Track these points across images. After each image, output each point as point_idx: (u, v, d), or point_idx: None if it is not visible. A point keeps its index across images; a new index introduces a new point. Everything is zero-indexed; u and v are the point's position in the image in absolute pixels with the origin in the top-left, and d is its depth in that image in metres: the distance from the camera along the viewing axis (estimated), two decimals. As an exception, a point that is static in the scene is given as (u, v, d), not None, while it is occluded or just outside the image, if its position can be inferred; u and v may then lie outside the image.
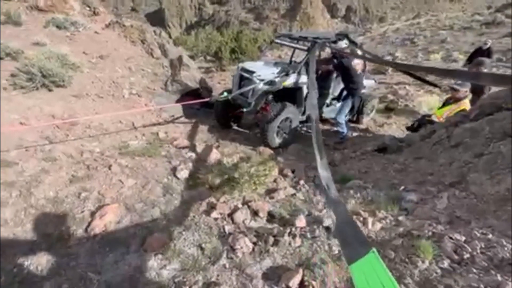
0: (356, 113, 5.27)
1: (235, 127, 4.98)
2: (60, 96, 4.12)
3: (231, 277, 1.52)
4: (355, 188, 2.52)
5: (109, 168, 2.63)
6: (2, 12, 5.94)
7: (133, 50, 6.15)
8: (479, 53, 7.21)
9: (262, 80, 3.93)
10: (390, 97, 7.08)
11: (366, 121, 5.54)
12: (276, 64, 4.70)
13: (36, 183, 2.25)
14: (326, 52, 5.64)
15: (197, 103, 4.68)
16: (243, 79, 4.29)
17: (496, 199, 2.00)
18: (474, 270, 1.45)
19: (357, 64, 4.20)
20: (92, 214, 1.99)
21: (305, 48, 4.33)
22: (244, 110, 4.20)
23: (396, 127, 5.48)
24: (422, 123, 3.86)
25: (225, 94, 4.13)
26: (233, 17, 34.88)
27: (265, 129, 3.90)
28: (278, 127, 3.98)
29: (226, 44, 11.91)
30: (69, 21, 6.34)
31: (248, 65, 4.52)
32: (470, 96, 3.38)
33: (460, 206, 2.03)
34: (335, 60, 4.34)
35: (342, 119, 4.43)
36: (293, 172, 2.95)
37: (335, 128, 4.75)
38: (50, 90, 4.15)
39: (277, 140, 4.07)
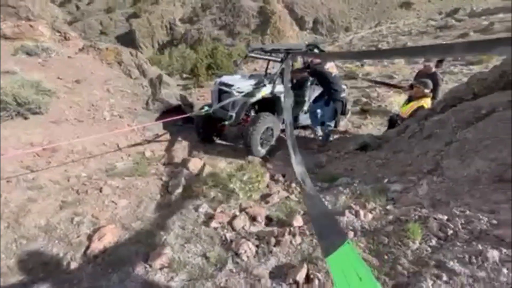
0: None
1: (218, 141, 5.01)
2: (37, 123, 3.99)
3: (240, 280, 1.56)
4: (343, 184, 2.66)
5: (100, 191, 2.58)
6: (-35, 43, 5.70)
7: (110, 72, 6.10)
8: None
9: (241, 92, 4.06)
10: (364, 99, 7.53)
11: (343, 123, 5.83)
12: (252, 76, 4.86)
13: (24, 213, 2.16)
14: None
15: (178, 119, 4.69)
16: (222, 92, 4.38)
17: (468, 180, 2.22)
18: (459, 244, 1.60)
19: (330, 67, 4.43)
20: (89, 237, 1.95)
21: (279, 59, 4.53)
22: (226, 123, 4.29)
23: (372, 127, 5.82)
24: (393, 120, 4.19)
25: (206, 108, 4.19)
26: (205, 34, 35.39)
27: (248, 140, 3.98)
28: (261, 138, 4.08)
29: (202, 61, 12.08)
30: (40, 47, 6.19)
31: (226, 79, 4.63)
32: (430, 95, 3.71)
33: (439, 190, 2.22)
34: (308, 69, 4.59)
35: (329, 123, 4.61)
36: (283, 176, 3.05)
37: (319, 133, 4.91)
38: (26, 118, 4.01)
39: (262, 150, 4.17)
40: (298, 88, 4.86)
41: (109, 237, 1.92)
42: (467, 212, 1.83)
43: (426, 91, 3.65)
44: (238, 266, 1.67)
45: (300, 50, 4.66)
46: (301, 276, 1.53)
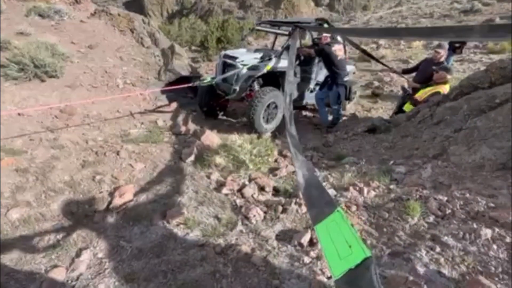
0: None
1: (220, 116, 4.87)
2: (54, 87, 4.08)
3: (249, 239, 1.71)
4: (349, 163, 2.76)
5: (117, 154, 2.72)
6: (-21, 0, 5.66)
7: (123, 39, 6.05)
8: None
9: (245, 65, 3.90)
10: (376, 83, 7.40)
11: (349, 107, 5.74)
12: (258, 50, 4.69)
13: (50, 169, 2.32)
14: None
15: (184, 88, 4.63)
16: (226, 65, 4.23)
17: (472, 166, 2.29)
18: (455, 222, 1.71)
19: (337, 49, 4.28)
20: (110, 194, 2.12)
21: (286, 33, 4.33)
22: (229, 97, 4.16)
23: (382, 111, 5.79)
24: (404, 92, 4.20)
25: (209, 79, 4.03)
26: (216, 5, 33.98)
27: (252, 115, 3.85)
28: (265, 113, 3.96)
29: (212, 34, 11.77)
30: (52, 9, 6.11)
31: (231, 52, 4.48)
32: (449, 81, 3.67)
33: (442, 174, 2.30)
34: (316, 47, 4.43)
35: (335, 107, 4.53)
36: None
37: (323, 118, 4.74)
38: (43, 81, 4.09)
39: (266, 126, 4.06)
40: (304, 65, 4.65)
41: (128, 195, 2.07)
42: (467, 195, 1.93)
43: (449, 77, 3.61)
44: (247, 228, 1.82)
45: (308, 24, 4.41)
46: (305, 240, 1.67)
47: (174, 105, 4.84)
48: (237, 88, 3.99)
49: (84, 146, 2.85)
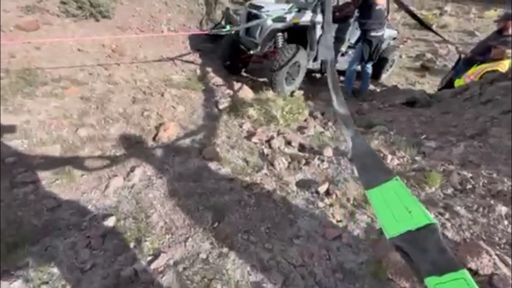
0: (375, 65, 4.46)
1: (243, 73, 4.59)
2: (106, 27, 4.36)
3: (272, 182, 1.93)
4: (379, 132, 2.77)
5: (162, 95, 3.00)
6: None
7: (169, -16, 6.02)
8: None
9: (270, 16, 3.57)
10: (429, 55, 6.73)
11: (386, 77, 5.30)
12: (289, 2, 4.16)
13: (107, 100, 2.68)
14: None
15: (202, 34, 4.56)
16: (251, 16, 3.83)
17: (510, 150, 2.21)
18: (473, 196, 1.76)
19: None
20: (157, 127, 2.43)
21: None
22: (252, 52, 3.82)
23: (429, 87, 5.38)
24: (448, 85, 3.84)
25: (228, 27, 3.71)
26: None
27: (273, 74, 3.57)
28: (287, 72, 3.67)
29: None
30: None
31: (258, 1, 4.07)
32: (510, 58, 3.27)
33: (474, 153, 2.26)
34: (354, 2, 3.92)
35: (352, 66, 4.18)
36: (322, 114, 3.20)
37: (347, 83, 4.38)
38: (97, 21, 4.37)
39: (286, 87, 3.79)
40: (338, 23, 4.13)
41: (171, 130, 2.37)
42: (494, 175, 1.92)
43: (508, 51, 3.23)
44: (272, 172, 2.04)
45: None
46: (322, 189, 1.85)
47: (197, 55, 4.78)
48: (260, 42, 3.67)
49: (134, 85, 3.16)
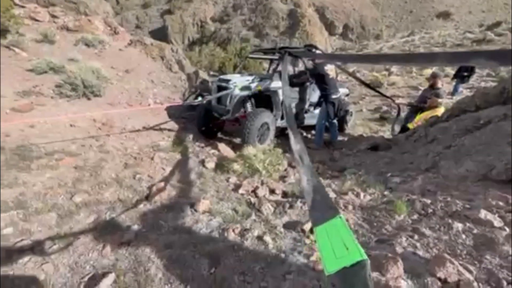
0: (339, 120, 5.21)
1: (219, 135, 5.08)
2: (97, 103, 4.80)
3: (261, 226, 2.10)
4: (351, 174, 3.12)
5: (152, 159, 3.24)
6: (39, 32, 6.74)
7: (154, 65, 6.91)
8: (463, 69, 8.00)
9: (237, 86, 4.20)
10: (385, 108, 7.81)
11: (349, 126, 6.06)
12: (251, 74, 5.02)
13: (100, 168, 2.86)
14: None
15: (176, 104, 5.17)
16: (220, 88, 4.48)
17: (458, 177, 2.61)
18: (434, 218, 2.04)
19: (329, 69, 4.60)
20: (149, 188, 2.59)
21: (276, 57, 4.72)
22: (224, 117, 4.39)
23: (389, 134, 6.13)
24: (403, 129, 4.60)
25: (199, 98, 4.32)
26: (234, 34, 36.23)
27: (246, 135, 4.01)
28: (258, 130, 4.12)
29: (230, 60, 12.77)
30: (96, 39, 7.14)
31: (226, 76, 4.84)
32: (442, 106, 4.10)
33: (431, 183, 2.63)
34: (309, 70, 4.77)
35: (320, 123, 4.81)
36: (300, 164, 3.55)
37: (317, 137, 4.97)
38: (89, 99, 4.83)
39: (259, 146, 4.00)
40: (298, 86, 4.92)
41: (163, 189, 2.54)
42: (448, 199, 2.25)
43: (440, 101, 4.01)
44: (260, 218, 2.22)
45: (297, 48, 4.83)
46: (306, 227, 2.04)
47: (181, 122, 5.26)
48: (231, 108, 4.23)
49: (125, 152, 3.41)
